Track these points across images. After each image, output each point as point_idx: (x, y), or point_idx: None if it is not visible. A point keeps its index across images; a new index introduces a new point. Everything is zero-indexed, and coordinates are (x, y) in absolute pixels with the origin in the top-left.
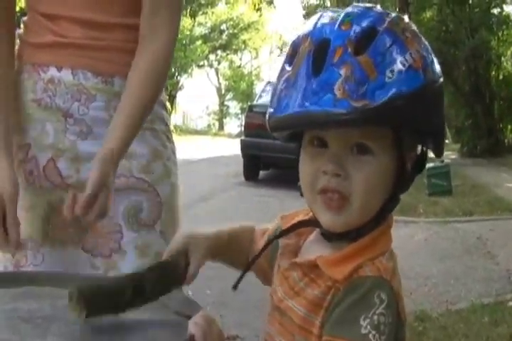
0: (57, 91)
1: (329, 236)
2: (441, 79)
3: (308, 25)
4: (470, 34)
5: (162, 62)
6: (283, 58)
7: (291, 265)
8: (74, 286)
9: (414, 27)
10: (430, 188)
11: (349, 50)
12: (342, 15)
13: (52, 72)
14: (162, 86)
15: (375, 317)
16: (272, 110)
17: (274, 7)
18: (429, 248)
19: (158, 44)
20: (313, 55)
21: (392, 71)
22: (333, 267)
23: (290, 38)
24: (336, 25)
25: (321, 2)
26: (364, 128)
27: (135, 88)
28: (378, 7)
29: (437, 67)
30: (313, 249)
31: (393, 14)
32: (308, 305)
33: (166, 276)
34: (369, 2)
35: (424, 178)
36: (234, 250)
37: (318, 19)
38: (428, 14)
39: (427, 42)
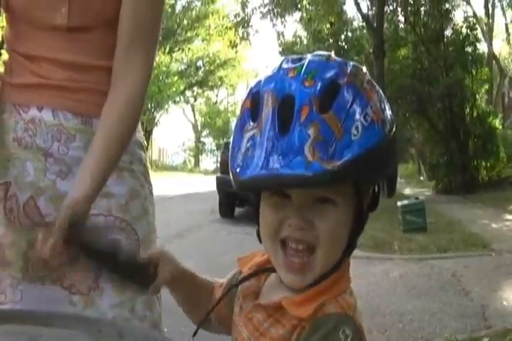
0: (38, 131)
1: None
2: (394, 127)
3: (268, 76)
4: (445, 72)
5: (135, 100)
6: (242, 109)
7: (254, 306)
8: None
9: (369, 77)
10: (405, 225)
11: (314, 108)
12: (304, 68)
13: (33, 112)
14: (136, 123)
15: None
16: (238, 169)
17: (250, 44)
18: (404, 285)
19: (132, 81)
20: (278, 112)
21: (356, 128)
22: (298, 307)
23: (250, 86)
24: (300, 81)
25: (297, 40)
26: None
27: (108, 128)
28: (334, 56)
29: (390, 115)
30: (275, 290)
31: (351, 64)
32: None
33: (136, 265)
34: (345, 40)
35: (399, 215)
36: (191, 295)
37: (279, 70)
38: (403, 52)
39: (381, 91)
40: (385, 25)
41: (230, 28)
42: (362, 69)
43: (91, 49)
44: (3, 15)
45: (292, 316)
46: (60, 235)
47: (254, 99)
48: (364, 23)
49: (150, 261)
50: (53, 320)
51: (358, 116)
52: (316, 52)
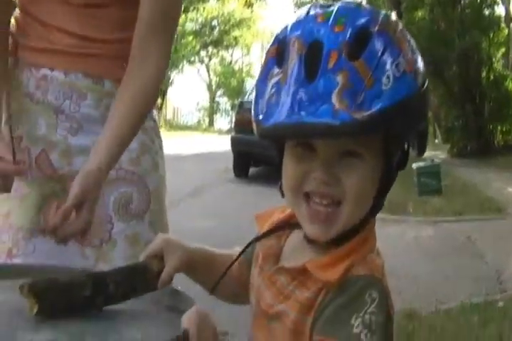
0: (50, 88)
1: (314, 241)
2: (427, 80)
3: (295, 22)
4: (461, 34)
5: (151, 88)
6: (267, 57)
7: (277, 270)
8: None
9: (401, 25)
10: (420, 187)
11: (344, 54)
12: (333, 14)
13: (45, 71)
14: (150, 108)
15: (367, 316)
16: (261, 116)
17: (266, 3)
18: (419, 247)
19: (149, 70)
20: (305, 58)
21: (388, 77)
22: (324, 271)
23: (275, 32)
24: (329, 27)
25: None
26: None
27: (123, 110)
28: (365, 5)
29: (422, 66)
30: (298, 251)
31: (383, 12)
32: (301, 308)
33: (133, 278)
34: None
35: (414, 177)
36: (209, 272)
37: (307, 16)
38: (420, 13)
39: (412, 40)
40: None
41: None
42: (394, 18)
43: (100, 24)
44: None
45: (317, 279)
46: (73, 202)
47: (280, 46)
48: None
49: (154, 254)
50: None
51: (389, 65)
52: (345, 1)
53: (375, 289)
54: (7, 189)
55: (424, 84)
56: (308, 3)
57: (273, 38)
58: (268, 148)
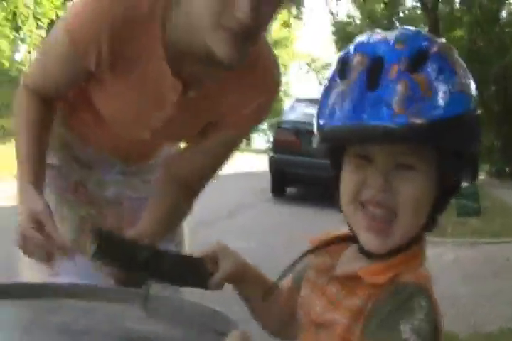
0: (81, 153)
1: (369, 253)
2: (478, 107)
3: (357, 44)
4: (500, 53)
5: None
6: (331, 74)
7: (329, 280)
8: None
9: (457, 53)
10: (459, 209)
11: (404, 67)
12: (394, 35)
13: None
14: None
15: (416, 322)
16: (323, 121)
17: (303, 24)
18: (457, 269)
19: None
20: (367, 70)
21: (444, 92)
22: (374, 275)
23: (339, 54)
24: (390, 45)
25: (351, 19)
26: (412, 146)
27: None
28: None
29: (475, 92)
30: (351, 263)
31: (441, 40)
32: (351, 315)
33: (187, 265)
34: (398, 21)
35: (453, 199)
36: (257, 288)
37: (369, 38)
38: (458, 33)
39: (468, 71)
40: (440, 5)
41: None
42: (451, 46)
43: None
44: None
45: (367, 285)
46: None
47: (344, 63)
48: (418, 3)
49: (207, 257)
50: (110, 294)
51: (446, 82)
52: (404, 27)
53: (423, 297)
54: (51, 260)
55: (476, 109)
56: (346, 24)
57: (337, 59)
58: (305, 168)
